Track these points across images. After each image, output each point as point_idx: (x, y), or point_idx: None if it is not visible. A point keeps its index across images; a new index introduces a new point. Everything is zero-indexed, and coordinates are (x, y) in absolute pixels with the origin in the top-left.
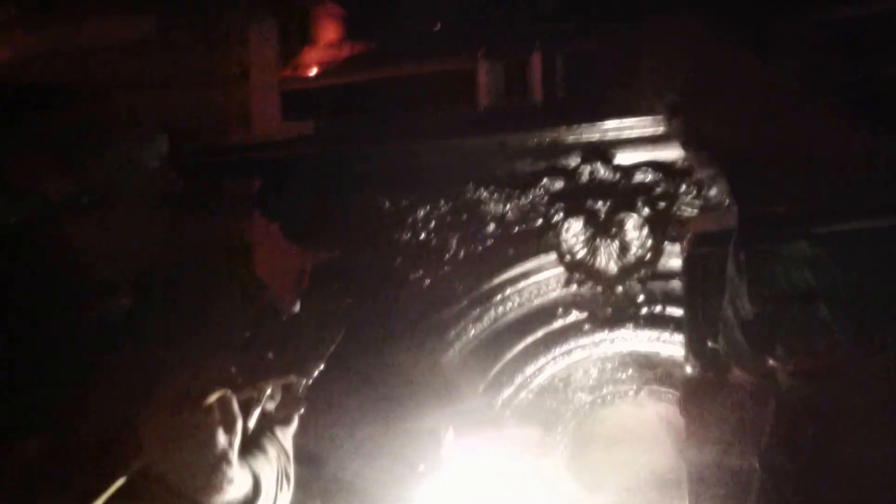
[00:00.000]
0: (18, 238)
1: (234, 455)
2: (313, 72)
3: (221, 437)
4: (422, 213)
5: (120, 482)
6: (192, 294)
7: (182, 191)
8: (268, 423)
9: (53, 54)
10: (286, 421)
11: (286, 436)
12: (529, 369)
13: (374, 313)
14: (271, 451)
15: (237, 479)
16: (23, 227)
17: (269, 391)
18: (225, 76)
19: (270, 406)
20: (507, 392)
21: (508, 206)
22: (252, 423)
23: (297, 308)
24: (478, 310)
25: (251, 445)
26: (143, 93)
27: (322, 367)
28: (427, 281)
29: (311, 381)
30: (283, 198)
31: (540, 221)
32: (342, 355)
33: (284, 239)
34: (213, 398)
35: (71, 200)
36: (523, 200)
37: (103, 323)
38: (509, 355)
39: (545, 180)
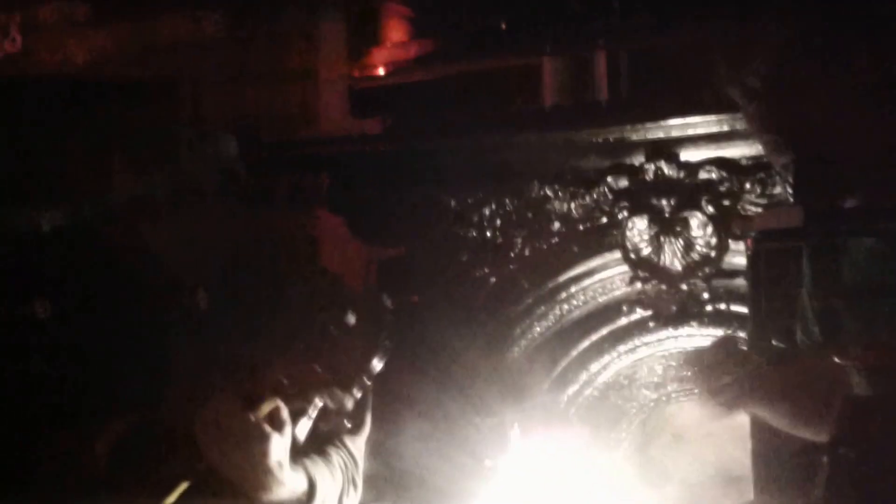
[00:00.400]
0: (95, 235)
1: (281, 461)
2: (380, 70)
3: (269, 445)
4: (487, 210)
5: (185, 485)
6: (258, 294)
7: (252, 188)
8: (335, 431)
9: (125, 53)
10: (354, 430)
11: (355, 443)
12: (594, 366)
13: (440, 310)
14: (335, 457)
15: (288, 481)
16: (98, 225)
17: (320, 404)
18: (294, 74)
19: (337, 415)
20: (573, 389)
21: (573, 204)
22: (304, 433)
23: (352, 320)
24: (543, 307)
25: (312, 451)
26: (214, 90)
27: (368, 383)
28: (492, 279)
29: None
30: (350, 194)
31: (604, 219)
32: (409, 352)
33: (351, 235)
34: (265, 408)
35: (144, 198)
36: (588, 198)
37: (183, 318)
38: (574, 352)
39: (610, 178)
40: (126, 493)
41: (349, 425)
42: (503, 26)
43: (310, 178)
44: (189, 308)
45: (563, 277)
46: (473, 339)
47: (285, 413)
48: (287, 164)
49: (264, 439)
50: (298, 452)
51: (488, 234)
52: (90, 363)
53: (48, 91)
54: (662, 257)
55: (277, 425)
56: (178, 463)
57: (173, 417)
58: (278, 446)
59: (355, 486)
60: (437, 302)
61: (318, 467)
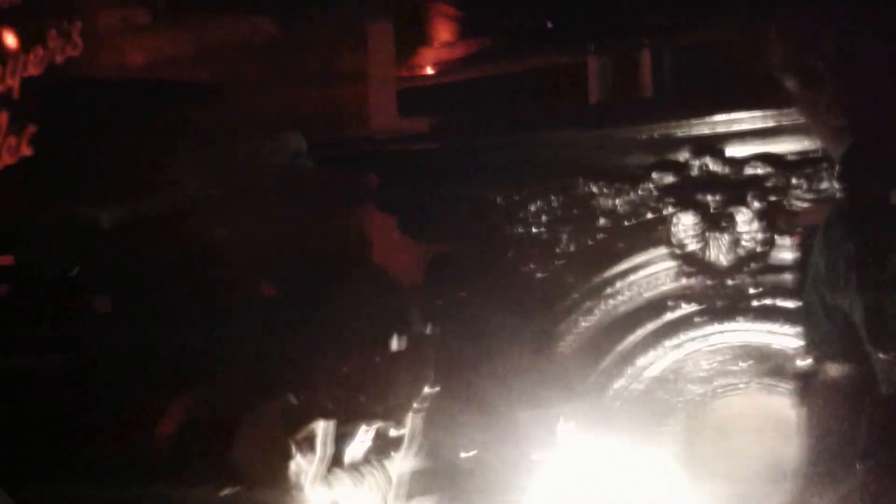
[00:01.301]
0: (154, 232)
1: (302, 482)
2: (428, 70)
3: (292, 466)
4: (533, 207)
5: (229, 490)
6: (310, 296)
7: (306, 186)
8: (371, 453)
9: (181, 56)
10: (392, 449)
11: (392, 461)
12: (641, 361)
13: (487, 306)
14: (367, 477)
15: (309, 498)
16: (166, 220)
17: (362, 431)
18: (343, 75)
19: (375, 437)
20: (619, 383)
21: (619, 201)
22: (350, 456)
23: (395, 345)
24: (589, 303)
25: (344, 469)
26: (267, 91)
27: (411, 414)
28: (539, 274)
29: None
30: (398, 193)
31: (650, 215)
32: (457, 347)
33: (400, 233)
34: (304, 430)
35: (206, 195)
36: (633, 194)
37: (241, 312)
38: (620, 347)
39: (655, 174)
40: (187, 480)
41: (385, 448)
42: (549, 25)
43: (360, 177)
44: (247, 302)
45: (609, 273)
46: (520, 335)
47: (320, 441)
48: (338, 163)
49: (288, 460)
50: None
51: (535, 230)
52: (148, 356)
53: (109, 93)
54: (709, 253)
55: (308, 450)
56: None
57: (231, 408)
58: (301, 469)
59: None
60: (484, 298)
61: (344, 487)
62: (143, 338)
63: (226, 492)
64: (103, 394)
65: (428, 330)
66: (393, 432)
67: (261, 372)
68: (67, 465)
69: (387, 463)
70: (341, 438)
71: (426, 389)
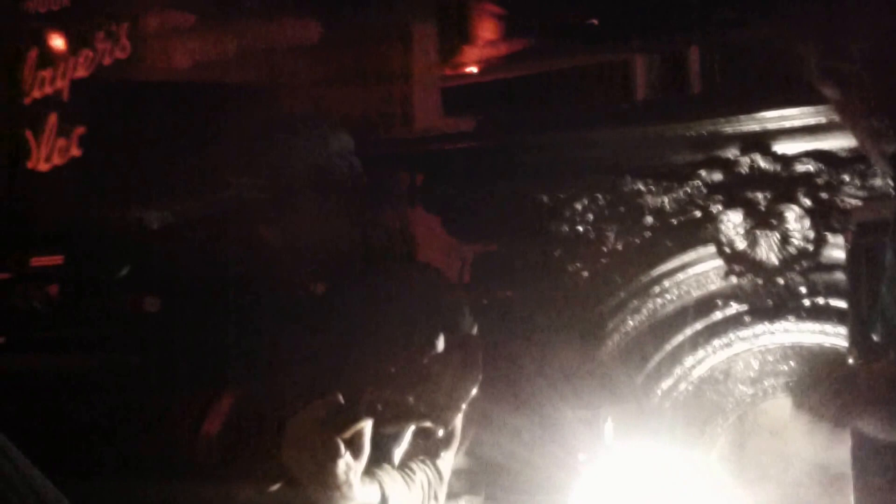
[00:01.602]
0: (202, 233)
1: (351, 481)
2: (472, 68)
3: (339, 465)
4: (580, 205)
5: (277, 486)
6: (358, 295)
7: (351, 186)
8: (421, 450)
9: (227, 57)
10: (442, 447)
11: (442, 458)
12: (689, 361)
13: (533, 306)
14: (418, 473)
15: (360, 495)
16: (213, 220)
17: (408, 432)
18: (386, 74)
19: (425, 437)
20: (666, 384)
21: (666, 198)
22: (397, 457)
23: (443, 346)
24: (636, 302)
25: (395, 469)
26: (312, 91)
27: (459, 416)
28: (585, 273)
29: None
30: (443, 192)
31: (698, 213)
32: (503, 347)
33: (445, 232)
34: (350, 428)
35: (253, 195)
36: (681, 192)
37: (291, 312)
38: (668, 347)
39: (703, 171)
40: (234, 480)
41: (435, 446)
42: (594, 22)
43: (405, 176)
44: (294, 301)
45: (656, 272)
46: (566, 334)
47: (367, 441)
48: (381, 163)
49: (336, 459)
50: (381, 468)
51: (580, 228)
52: (196, 356)
53: (156, 95)
54: (758, 251)
55: (356, 449)
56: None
57: (277, 407)
58: (349, 468)
59: (436, 499)
60: (530, 297)
61: (395, 483)
62: (191, 337)
63: (273, 490)
64: (151, 393)
65: (475, 330)
66: (442, 432)
67: (308, 371)
68: (116, 465)
69: (437, 461)
70: (390, 437)
71: (474, 391)
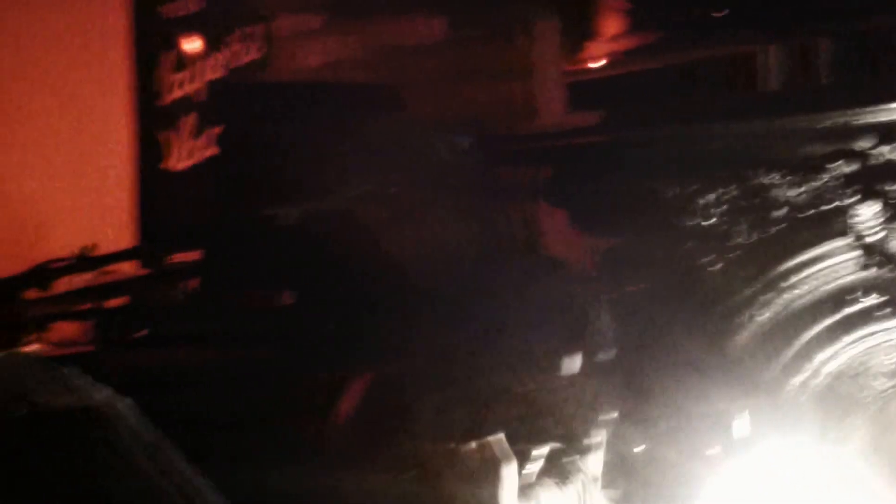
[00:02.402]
0: (339, 225)
1: (504, 490)
2: (597, 63)
3: (492, 475)
4: (710, 198)
5: (410, 474)
6: (492, 293)
7: (477, 182)
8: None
9: (355, 58)
10: (588, 453)
11: (594, 460)
12: (824, 354)
13: (664, 299)
14: (572, 477)
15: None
16: (343, 215)
17: (545, 450)
18: (512, 71)
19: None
20: (801, 377)
21: (798, 190)
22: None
23: (576, 366)
24: (768, 294)
25: (549, 473)
26: (438, 89)
27: (599, 440)
28: (713, 267)
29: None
30: (571, 186)
31: (828, 206)
32: (635, 341)
33: (573, 227)
34: (492, 441)
35: (381, 192)
36: (814, 184)
37: (431, 303)
38: (802, 340)
39: (836, 163)
40: (364, 465)
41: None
42: (721, 14)
43: (531, 172)
44: (428, 296)
45: (786, 265)
46: (697, 327)
47: (506, 450)
48: (507, 159)
49: (497, 470)
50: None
51: (711, 221)
52: (330, 348)
53: (288, 95)
54: (890, 243)
55: (506, 457)
56: (412, 441)
57: (411, 398)
58: (499, 479)
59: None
60: (661, 291)
61: (550, 492)
62: (324, 330)
63: (406, 478)
64: (285, 385)
65: (610, 327)
66: (580, 452)
67: (441, 365)
68: (256, 453)
69: (589, 462)
70: (526, 456)
71: (607, 416)
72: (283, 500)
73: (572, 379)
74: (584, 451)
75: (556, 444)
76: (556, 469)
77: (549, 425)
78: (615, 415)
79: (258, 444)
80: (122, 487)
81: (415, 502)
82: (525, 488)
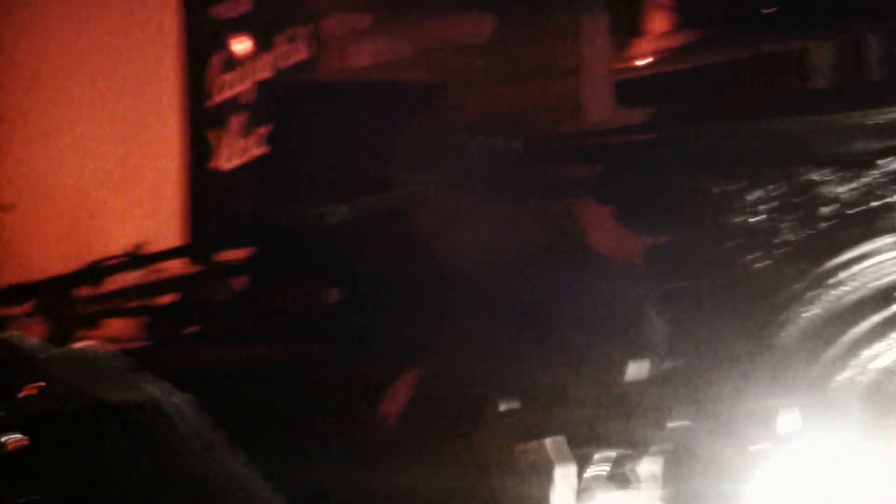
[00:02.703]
0: (386, 224)
1: (556, 492)
2: (644, 61)
3: (546, 476)
4: (754, 195)
5: (463, 469)
6: (541, 292)
7: (524, 181)
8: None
9: (402, 58)
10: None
11: (655, 461)
12: (866, 353)
13: (707, 297)
14: (632, 478)
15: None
16: (390, 215)
17: (609, 454)
18: (559, 68)
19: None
20: (845, 375)
21: (844, 188)
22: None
23: (643, 371)
24: (811, 293)
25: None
26: (485, 88)
27: (665, 447)
28: (759, 265)
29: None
30: (616, 184)
31: (876, 202)
32: (677, 339)
33: (618, 225)
34: (549, 440)
35: (428, 191)
36: (860, 181)
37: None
38: (846, 338)
39: (882, 160)
40: (409, 460)
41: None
42: (769, 10)
43: (576, 170)
44: (478, 294)
45: (832, 263)
46: (741, 325)
47: (563, 453)
48: (554, 157)
49: (551, 471)
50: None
51: (754, 219)
52: (382, 345)
53: (336, 95)
54: None
55: (562, 459)
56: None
57: (463, 393)
58: (564, 479)
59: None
60: (704, 289)
61: (611, 497)
62: (372, 329)
63: (458, 473)
64: (336, 381)
65: (658, 325)
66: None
67: (490, 363)
68: (311, 449)
69: (650, 462)
70: (587, 460)
71: (676, 424)
72: (336, 497)
73: (640, 384)
74: (649, 457)
75: (621, 450)
76: (619, 475)
77: (614, 430)
78: (686, 422)
79: (310, 441)
80: (181, 483)
81: (465, 498)
82: (585, 492)
